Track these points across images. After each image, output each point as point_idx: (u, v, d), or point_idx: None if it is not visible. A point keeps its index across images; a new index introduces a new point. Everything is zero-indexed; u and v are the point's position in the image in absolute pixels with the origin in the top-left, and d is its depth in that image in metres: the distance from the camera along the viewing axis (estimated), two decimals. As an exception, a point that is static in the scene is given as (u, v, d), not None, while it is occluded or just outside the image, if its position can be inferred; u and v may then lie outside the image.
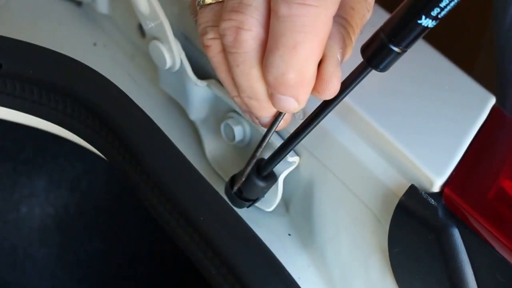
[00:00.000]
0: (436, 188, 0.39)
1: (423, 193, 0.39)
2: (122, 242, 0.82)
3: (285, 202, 0.49)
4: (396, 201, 0.40)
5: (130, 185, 0.45)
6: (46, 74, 0.44)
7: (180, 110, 0.51)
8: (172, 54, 0.47)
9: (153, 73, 0.54)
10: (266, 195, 0.47)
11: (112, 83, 0.45)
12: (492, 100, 0.44)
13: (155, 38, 0.47)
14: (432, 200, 0.39)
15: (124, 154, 0.43)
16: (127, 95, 0.45)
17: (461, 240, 0.39)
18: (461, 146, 0.41)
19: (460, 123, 0.43)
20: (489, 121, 0.44)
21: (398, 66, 0.39)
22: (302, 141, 0.43)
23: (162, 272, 0.85)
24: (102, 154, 0.45)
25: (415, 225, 0.40)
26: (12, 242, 0.80)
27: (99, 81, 0.45)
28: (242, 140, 0.48)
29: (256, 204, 0.48)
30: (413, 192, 0.40)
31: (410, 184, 0.40)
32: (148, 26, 0.47)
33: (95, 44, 0.56)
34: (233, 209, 0.44)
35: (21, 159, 0.75)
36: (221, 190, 0.46)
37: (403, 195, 0.40)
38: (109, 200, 0.79)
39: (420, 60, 0.45)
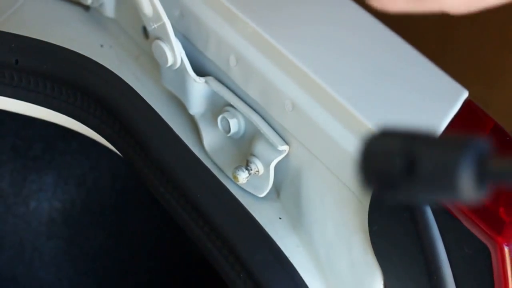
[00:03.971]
0: None
1: None
2: (125, 237, 0.86)
3: (276, 188, 0.53)
4: (375, 183, 0.44)
5: (134, 170, 0.49)
6: (58, 69, 0.49)
7: (180, 105, 0.56)
8: (173, 53, 0.51)
9: (156, 73, 0.58)
10: (256, 181, 0.51)
11: (119, 77, 0.49)
12: (465, 94, 0.49)
13: (157, 38, 0.52)
14: None
15: (129, 141, 0.48)
16: (132, 88, 0.49)
17: (433, 217, 0.44)
18: (441, 120, 0.46)
19: (434, 113, 0.47)
20: (462, 111, 0.48)
21: (381, 60, 0.43)
22: (291, 131, 0.48)
23: (162, 267, 0.89)
24: (109, 142, 0.50)
25: (383, 206, 0.44)
26: (21, 235, 0.84)
27: (107, 75, 0.50)
28: (237, 132, 0.52)
29: (249, 190, 0.52)
30: None
31: None
32: (152, 27, 0.52)
33: (102, 46, 0.61)
34: (228, 190, 0.49)
35: (31, 156, 0.79)
36: (218, 175, 0.51)
37: None
38: (114, 196, 0.83)
39: (399, 56, 0.49)
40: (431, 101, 0.47)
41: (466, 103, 0.48)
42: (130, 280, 0.89)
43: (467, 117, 0.48)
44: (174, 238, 0.87)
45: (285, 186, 0.52)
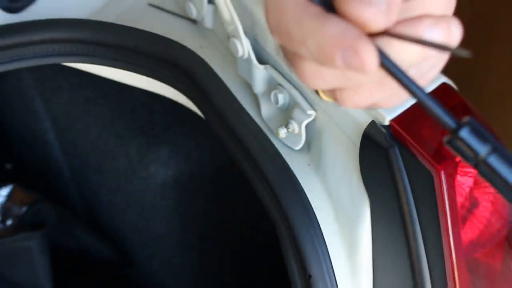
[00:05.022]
0: (387, 122, 0.60)
1: (378, 125, 0.61)
2: (220, 204, 1.05)
3: (308, 143, 0.71)
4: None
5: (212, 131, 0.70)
6: (166, 52, 0.71)
7: (249, 86, 0.76)
8: (243, 47, 0.71)
9: (235, 66, 0.79)
10: (293, 138, 0.70)
11: (208, 65, 0.70)
12: (443, 79, 0.65)
13: (233, 36, 0.72)
14: (383, 129, 0.60)
15: (209, 107, 0.69)
16: (215, 72, 0.71)
17: (400, 155, 0.60)
18: (408, 101, 0.62)
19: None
20: (438, 91, 0.64)
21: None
22: (316, 100, 0.66)
23: (254, 235, 1.06)
24: (196, 106, 0.71)
25: (372, 146, 0.60)
26: (143, 194, 1.04)
27: (199, 62, 0.71)
28: (283, 104, 0.70)
29: (288, 144, 0.71)
30: (373, 125, 0.61)
31: (372, 120, 0.61)
32: (229, 29, 0.72)
33: (201, 47, 0.82)
34: (274, 145, 0.68)
35: (153, 134, 1.00)
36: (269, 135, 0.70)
37: (367, 126, 0.61)
38: (212, 171, 1.02)
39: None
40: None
41: (442, 85, 0.64)
42: (226, 241, 1.08)
43: (440, 93, 0.64)
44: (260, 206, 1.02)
45: (313, 142, 0.70)
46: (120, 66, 0.77)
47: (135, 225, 1.10)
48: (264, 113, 0.74)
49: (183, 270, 1.13)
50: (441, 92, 0.63)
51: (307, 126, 0.68)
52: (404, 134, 0.60)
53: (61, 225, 1.07)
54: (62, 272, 1.06)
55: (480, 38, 1.47)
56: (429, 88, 0.63)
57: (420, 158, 0.58)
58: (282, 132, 0.69)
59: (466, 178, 0.64)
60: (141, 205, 1.07)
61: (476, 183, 0.67)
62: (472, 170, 0.65)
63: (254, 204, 0.99)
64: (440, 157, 0.58)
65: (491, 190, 0.69)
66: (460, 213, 0.60)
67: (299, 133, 0.69)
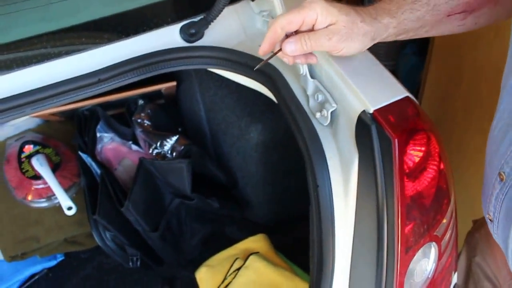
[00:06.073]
0: (371, 111, 0.65)
1: (367, 112, 0.66)
2: (285, 156, 1.08)
3: (331, 122, 0.74)
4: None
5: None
6: (263, 67, 0.79)
7: (304, 90, 0.83)
8: (303, 69, 0.77)
9: (299, 79, 0.86)
10: (324, 118, 0.76)
11: (284, 77, 0.78)
12: (406, 93, 0.69)
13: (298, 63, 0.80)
14: (369, 115, 0.66)
15: (279, 97, 0.77)
16: (287, 82, 0.78)
17: (376, 130, 0.65)
18: (387, 101, 0.67)
19: (392, 93, 0.68)
20: (400, 101, 0.68)
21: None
22: (337, 100, 0.73)
23: (299, 169, 1.02)
24: (273, 95, 0.79)
25: (362, 124, 0.66)
26: (244, 149, 1.08)
27: (280, 75, 0.79)
28: (321, 100, 0.77)
29: (320, 121, 0.77)
30: (363, 112, 0.66)
31: (363, 109, 0.67)
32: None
33: (283, 69, 0.88)
34: (311, 121, 0.75)
35: (254, 116, 1.04)
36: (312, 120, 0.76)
37: (360, 112, 0.67)
38: (282, 137, 1.04)
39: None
40: (392, 88, 0.68)
41: (405, 97, 0.68)
42: (287, 176, 1.11)
43: (403, 102, 0.68)
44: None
45: (334, 121, 0.75)
46: (239, 73, 0.85)
47: (239, 165, 1.12)
48: (310, 104, 0.80)
49: (263, 192, 1.16)
50: (402, 102, 0.68)
51: (331, 112, 0.75)
52: (379, 118, 0.65)
53: (199, 159, 1.13)
54: (196, 184, 1.12)
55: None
56: (396, 98, 0.68)
57: (386, 131, 0.64)
58: (318, 115, 0.76)
59: (417, 152, 0.68)
60: (243, 154, 1.10)
61: (426, 157, 0.70)
62: (423, 148, 0.68)
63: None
64: (397, 132, 0.64)
65: (435, 163, 0.71)
66: (412, 171, 0.64)
67: (327, 116, 0.76)
